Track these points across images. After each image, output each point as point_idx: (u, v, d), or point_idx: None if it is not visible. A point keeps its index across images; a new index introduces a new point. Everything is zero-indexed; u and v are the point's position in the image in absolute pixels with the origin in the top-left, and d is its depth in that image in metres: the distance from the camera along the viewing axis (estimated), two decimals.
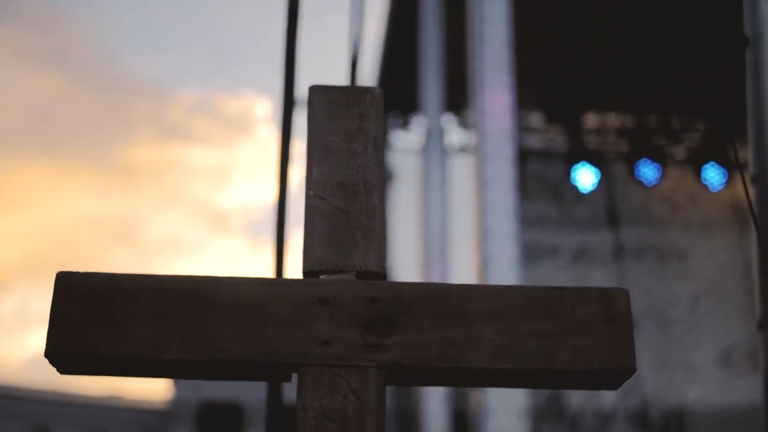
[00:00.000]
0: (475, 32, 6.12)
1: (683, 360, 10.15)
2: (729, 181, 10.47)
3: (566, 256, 10.50)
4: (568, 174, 10.32)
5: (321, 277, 1.61)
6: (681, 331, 10.24)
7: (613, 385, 1.58)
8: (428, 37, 8.80)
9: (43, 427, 31.32)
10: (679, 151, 10.70)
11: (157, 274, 1.57)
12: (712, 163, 10.44)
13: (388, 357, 1.52)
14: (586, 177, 10.28)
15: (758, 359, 3.02)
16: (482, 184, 5.75)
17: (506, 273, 5.50)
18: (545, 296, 1.57)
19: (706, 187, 10.56)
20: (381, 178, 1.68)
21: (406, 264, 9.84)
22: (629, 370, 1.54)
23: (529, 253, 9.62)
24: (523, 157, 9.27)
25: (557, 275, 10.25)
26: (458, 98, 9.25)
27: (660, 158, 10.52)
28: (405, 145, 10.70)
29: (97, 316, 1.53)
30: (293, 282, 1.59)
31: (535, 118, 10.58)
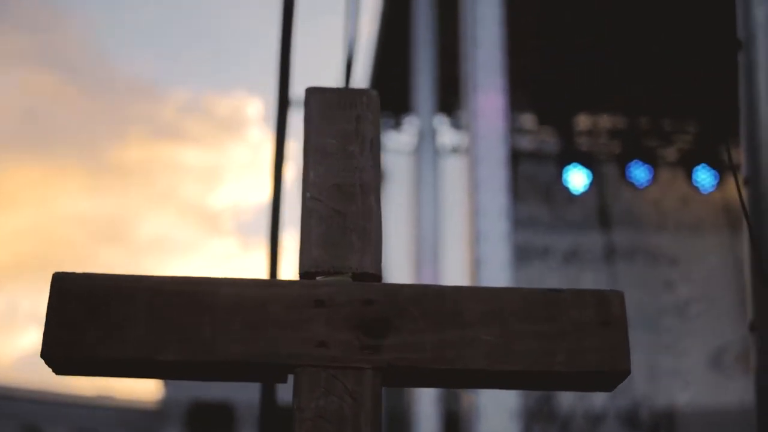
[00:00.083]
0: (467, 34, 6.13)
1: (673, 361, 10.18)
2: (720, 183, 10.51)
3: (558, 257, 10.53)
4: (559, 175, 10.35)
5: (317, 278, 1.61)
6: (671, 333, 10.27)
7: (608, 387, 1.59)
8: (421, 38, 8.81)
9: (33, 426, 31.25)
10: (671, 153, 10.73)
11: (153, 275, 1.57)
12: (703, 165, 10.48)
13: (384, 358, 1.53)
14: (577, 178, 10.31)
15: (749, 361, 3.04)
16: (474, 185, 5.76)
17: (498, 274, 5.51)
18: (541, 298, 1.57)
19: (697, 189, 10.60)
20: (377, 180, 1.69)
21: (397, 265, 9.84)
22: (624, 372, 1.55)
23: (521, 254, 9.64)
24: (515, 158, 9.28)
25: (548, 276, 10.27)
26: (450, 99, 9.27)
27: (651, 160, 10.56)
28: (397, 146, 10.71)
29: (93, 317, 1.53)
30: (289, 283, 1.59)
31: (527, 120, 10.60)
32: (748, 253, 2.95)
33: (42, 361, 1.55)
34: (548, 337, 1.55)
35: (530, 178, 10.43)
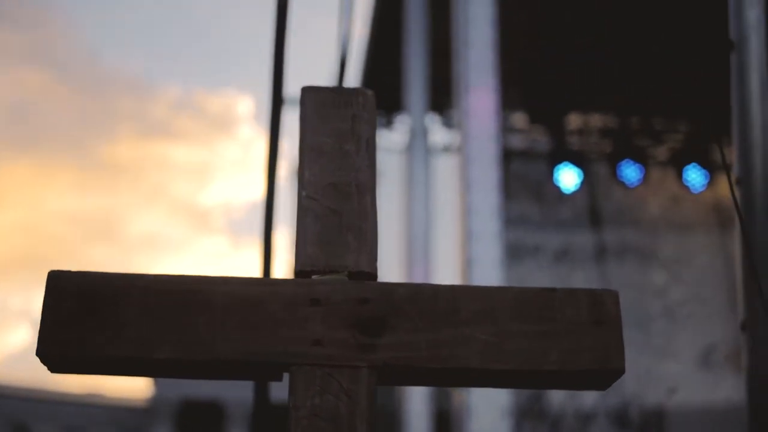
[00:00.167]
0: (459, 33, 6.13)
1: (664, 360, 10.21)
2: (710, 182, 10.54)
3: (548, 256, 10.55)
4: (550, 174, 10.36)
5: (313, 277, 1.61)
6: (661, 332, 10.30)
7: (602, 386, 1.60)
8: (413, 37, 8.82)
9: (21, 425, 31.16)
10: (661, 153, 10.76)
11: (149, 274, 1.57)
12: (693, 164, 10.51)
13: (380, 357, 1.53)
14: (568, 177, 10.33)
15: (740, 359, 3.06)
16: (466, 184, 5.77)
17: (490, 273, 5.52)
18: (535, 297, 1.58)
19: (687, 188, 10.62)
20: (373, 180, 1.69)
21: (389, 264, 9.86)
22: (618, 371, 1.56)
23: (512, 253, 9.65)
24: (506, 157, 9.30)
25: (539, 275, 10.29)
26: (442, 98, 9.28)
27: (642, 159, 10.58)
28: (389, 144, 10.71)
29: (89, 315, 1.53)
30: (285, 282, 1.60)
31: (519, 119, 10.62)
32: (740, 252, 2.96)
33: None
34: (542, 336, 1.56)
35: (521, 177, 10.45)
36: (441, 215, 8.76)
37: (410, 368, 1.54)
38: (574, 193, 10.42)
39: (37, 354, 1.54)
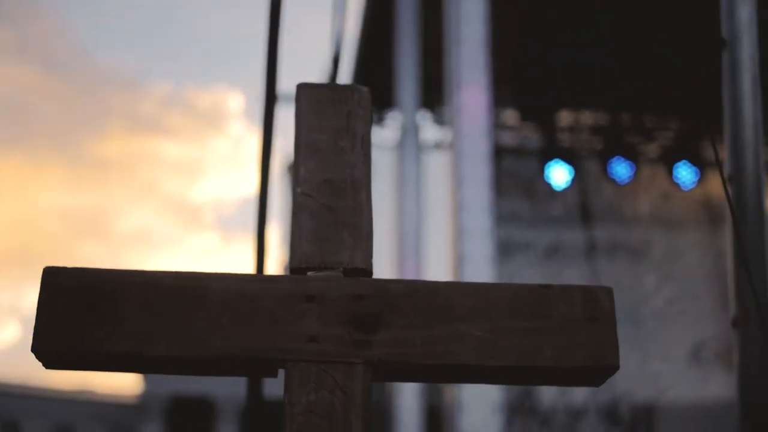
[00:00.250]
0: (451, 30, 6.14)
1: (654, 357, 10.24)
2: (701, 179, 10.57)
3: (539, 252, 10.57)
4: (541, 171, 10.38)
5: (308, 273, 1.62)
6: (652, 329, 10.33)
7: (596, 382, 1.61)
8: (404, 34, 8.82)
9: (11, 422, 31.08)
10: (652, 150, 10.78)
11: (145, 270, 1.57)
12: (684, 161, 10.53)
13: (375, 353, 1.54)
14: (559, 174, 10.34)
15: (731, 356, 3.07)
16: (458, 181, 5.78)
17: (482, 270, 5.53)
18: (530, 294, 1.59)
19: (678, 185, 10.65)
20: (368, 176, 1.70)
21: (380, 261, 9.85)
22: (613, 368, 1.57)
23: (503, 250, 9.67)
24: (498, 154, 9.31)
25: (530, 272, 10.31)
26: (434, 95, 9.28)
27: (633, 156, 10.60)
28: (380, 141, 10.71)
29: (84, 311, 1.54)
30: (280, 278, 1.60)
31: (510, 116, 10.63)
32: (731, 249, 2.98)
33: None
34: (537, 332, 1.57)
35: (512, 174, 10.46)
36: (432, 212, 8.77)
37: (405, 364, 1.55)
38: (565, 190, 10.44)
39: (33, 350, 1.54)
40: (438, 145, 10.40)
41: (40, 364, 1.59)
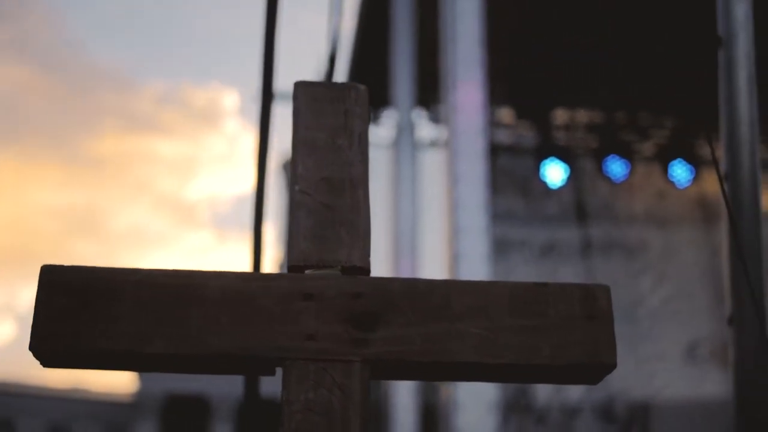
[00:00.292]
0: (447, 28, 6.14)
1: (649, 355, 10.26)
2: (696, 177, 10.58)
3: (534, 250, 10.57)
4: (537, 169, 10.38)
5: (306, 272, 1.62)
6: (647, 327, 10.34)
7: (593, 380, 1.61)
8: (400, 32, 8.82)
9: (5, 420, 31.05)
10: (647, 148, 10.79)
11: (143, 268, 1.57)
12: (679, 159, 10.55)
13: (373, 352, 1.54)
14: (554, 172, 10.35)
15: (726, 354, 3.08)
16: (453, 179, 5.78)
17: (477, 268, 5.53)
18: (529, 292, 1.59)
19: (673, 183, 10.66)
20: (365, 174, 1.70)
21: (375, 259, 9.84)
22: (610, 366, 1.57)
23: (498, 248, 9.67)
24: (493, 152, 9.30)
25: (525, 270, 10.32)
26: (429, 93, 9.28)
27: (628, 154, 10.61)
28: (375, 139, 10.71)
29: (82, 310, 1.53)
30: (278, 276, 1.60)
31: (505, 114, 10.63)
32: (728, 247, 2.98)
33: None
34: (534, 330, 1.57)
35: (508, 171, 10.46)
36: (428, 210, 8.77)
37: (403, 362, 1.55)
38: (561, 188, 10.45)
39: (30, 348, 1.53)
40: (433, 143, 10.40)
41: (36, 362, 1.59)
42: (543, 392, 9.89)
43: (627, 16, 8.83)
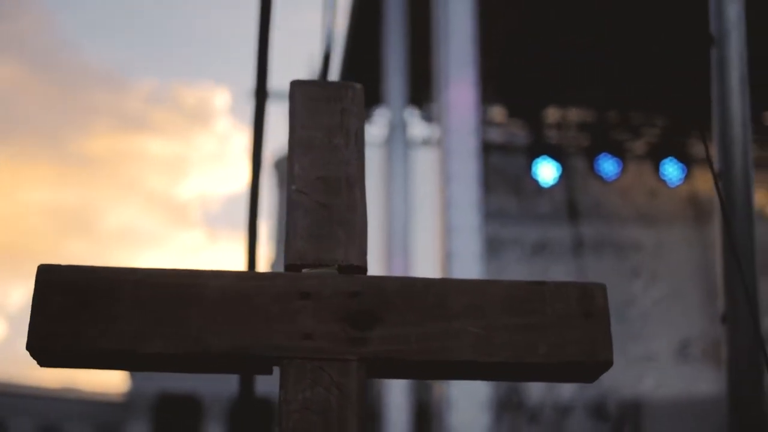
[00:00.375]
0: (439, 27, 6.14)
1: (642, 353, 10.28)
2: (687, 176, 10.61)
3: (527, 249, 10.59)
4: (528, 168, 10.39)
5: (303, 271, 1.62)
6: (639, 325, 10.37)
7: (589, 378, 1.62)
8: (392, 30, 8.82)
9: None
10: (639, 146, 10.81)
11: (140, 268, 1.58)
12: (671, 158, 10.57)
13: (370, 350, 1.54)
14: (546, 171, 10.36)
15: (718, 353, 3.09)
16: (446, 177, 5.79)
17: (470, 267, 5.54)
18: (525, 291, 1.59)
19: (664, 182, 10.69)
20: (362, 173, 1.70)
21: (368, 257, 9.84)
22: (606, 364, 1.58)
23: (490, 246, 9.68)
24: (485, 151, 9.30)
25: (517, 268, 10.33)
26: (421, 92, 9.28)
27: (619, 153, 10.63)
28: (368, 138, 10.69)
29: (80, 309, 1.53)
30: (275, 275, 1.60)
31: (497, 112, 10.65)
32: (721, 245, 2.99)
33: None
34: (532, 328, 1.57)
35: (500, 170, 10.47)
36: (420, 209, 8.77)
37: (400, 361, 1.55)
38: (552, 186, 10.46)
39: (27, 348, 1.54)
40: (426, 142, 10.41)
41: (27, 361, 1.59)
42: (536, 390, 9.91)
43: (620, 15, 8.85)
